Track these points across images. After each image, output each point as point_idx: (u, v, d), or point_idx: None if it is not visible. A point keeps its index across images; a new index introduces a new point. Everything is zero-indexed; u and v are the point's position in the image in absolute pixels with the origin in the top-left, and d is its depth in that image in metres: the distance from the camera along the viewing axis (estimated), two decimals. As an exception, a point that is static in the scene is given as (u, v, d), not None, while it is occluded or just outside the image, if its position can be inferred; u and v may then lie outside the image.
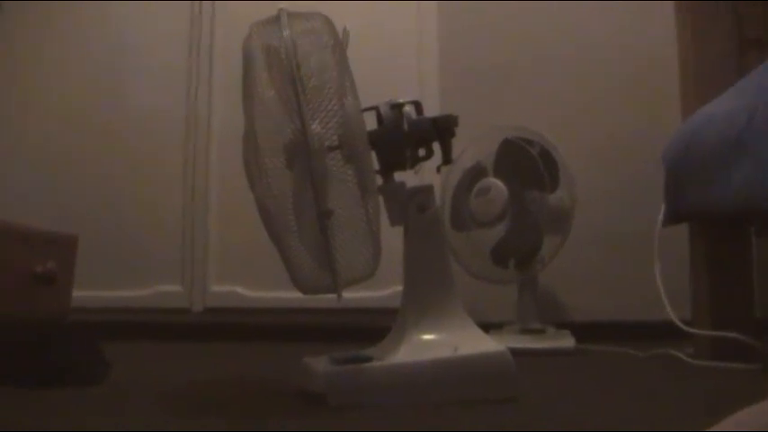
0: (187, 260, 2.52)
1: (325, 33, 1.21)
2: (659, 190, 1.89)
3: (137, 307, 2.48)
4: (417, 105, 1.33)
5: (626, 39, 2.65)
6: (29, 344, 1.38)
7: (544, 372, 1.67)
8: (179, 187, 2.56)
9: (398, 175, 1.33)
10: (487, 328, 1.64)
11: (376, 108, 1.31)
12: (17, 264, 1.43)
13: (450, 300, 1.30)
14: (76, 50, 2.66)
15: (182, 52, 2.62)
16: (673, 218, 1.87)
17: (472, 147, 2.20)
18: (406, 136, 1.30)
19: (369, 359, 1.23)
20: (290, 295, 1.42)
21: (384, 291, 2.17)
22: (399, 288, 1.32)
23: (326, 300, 1.28)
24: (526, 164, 2.10)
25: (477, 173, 2.18)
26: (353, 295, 1.35)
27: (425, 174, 1.41)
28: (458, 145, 1.41)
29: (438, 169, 1.42)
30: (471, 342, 1.26)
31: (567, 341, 2.10)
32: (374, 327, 1.51)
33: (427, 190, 1.32)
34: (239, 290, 2.49)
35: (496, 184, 2.12)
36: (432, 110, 1.41)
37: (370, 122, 1.28)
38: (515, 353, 1.26)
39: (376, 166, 1.28)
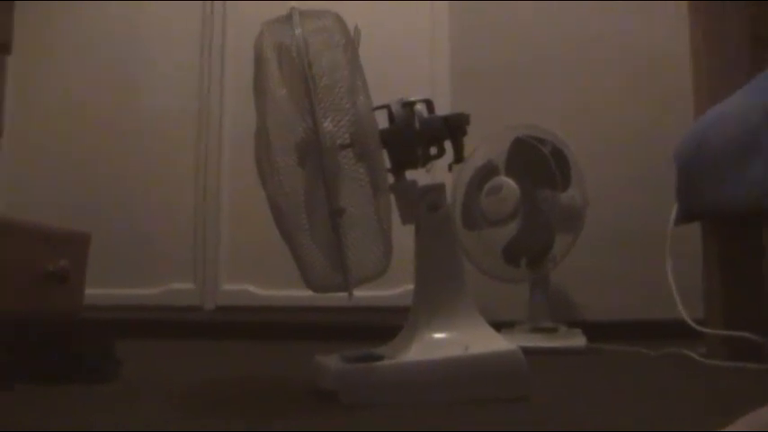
0: (199, 258, 2.53)
1: (337, 32, 1.21)
2: (671, 188, 1.89)
3: (149, 305, 2.49)
4: (429, 104, 1.33)
5: (637, 37, 2.64)
6: (41, 341, 1.39)
7: (555, 371, 1.66)
8: (191, 186, 2.57)
9: (410, 174, 1.33)
10: (499, 326, 1.64)
11: (387, 106, 1.31)
12: (30, 262, 1.43)
13: (462, 298, 1.30)
14: (89, 51, 2.67)
15: (194, 52, 2.63)
16: (685, 216, 1.86)
17: (484, 145, 2.20)
18: (417, 134, 1.30)
19: (380, 358, 1.23)
20: (301, 293, 1.42)
21: (395, 289, 2.18)
22: (410, 287, 1.32)
23: (338, 298, 1.28)
24: (538, 162, 2.10)
25: (488, 171, 2.18)
26: (365, 294, 1.35)
27: (437, 172, 1.41)
28: (469, 143, 1.41)
29: (450, 168, 1.42)
30: (483, 341, 1.26)
31: (578, 340, 2.10)
32: (385, 325, 1.51)
33: (439, 188, 1.32)
34: (251, 288, 2.50)
35: (508, 183, 2.11)
36: (443, 108, 1.41)
37: (382, 121, 1.28)
38: (527, 352, 1.25)
39: (387, 164, 1.28)
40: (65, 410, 1.14)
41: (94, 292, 1.75)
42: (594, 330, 2.18)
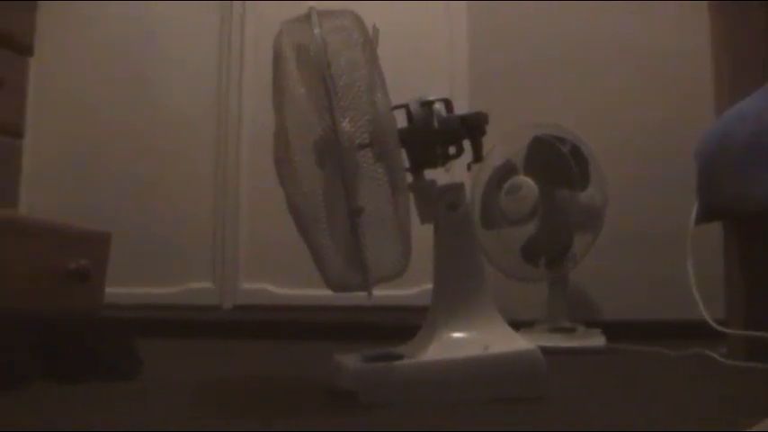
0: (218, 258, 2.53)
1: (356, 31, 1.21)
2: (692, 188, 1.87)
3: (168, 304, 2.50)
4: (447, 103, 1.32)
5: (656, 35, 2.63)
6: (62, 339, 1.40)
7: (574, 371, 1.66)
8: (210, 185, 2.57)
9: (429, 173, 1.33)
10: (518, 326, 1.64)
11: (406, 106, 1.31)
12: (51, 261, 1.44)
13: (481, 298, 1.29)
14: (108, 50, 2.68)
15: (212, 52, 2.64)
16: (706, 216, 1.85)
17: (502, 144, 2.19)
18: (436, 134, 1.30)
19: (399, 357, 1.23)
20: (319, 293, 1.42)
21: (414, 289, 2.18)
22: (429, 286, 1.32)
23: (357, 297, 1.29)
24: (557, 161, 2.09)
25: (507, 170, 2.17)
26: (383, 293, 1.35)
27: (456, 171, 1.41)
28: (488, 142, 1.41)
29: (468, 167, 1.41)
30: (502, 340, 1.26)
31: (597, 340, 2.09)
32: (404, 324, 1.51)
33: (458, 188, 1.32)
34: (269, 287, 2.50)
35: (527, 182, 2.11)
36: (461, 107, 1.40)
37: (400, 120, 1.27)
38: (546, 351, 1.25)
39: (406, 163, 1.28)
40: (85, 409, 1.14)
41: (114, 291, 1.76)
42: (613, 330, 2.17)
